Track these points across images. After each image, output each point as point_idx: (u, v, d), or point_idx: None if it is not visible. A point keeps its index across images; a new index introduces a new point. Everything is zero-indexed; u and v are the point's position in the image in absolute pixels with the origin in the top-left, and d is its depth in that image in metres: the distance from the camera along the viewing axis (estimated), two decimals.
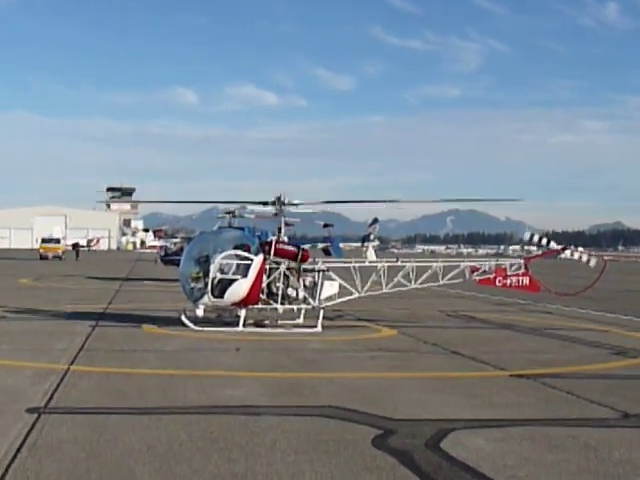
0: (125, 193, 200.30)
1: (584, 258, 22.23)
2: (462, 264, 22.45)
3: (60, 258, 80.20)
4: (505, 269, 22.59)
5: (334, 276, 20.64)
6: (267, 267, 19.87)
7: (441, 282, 22.27)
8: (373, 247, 49.96)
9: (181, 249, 40.83)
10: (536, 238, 22.52)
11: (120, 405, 10.33)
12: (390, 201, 24.50)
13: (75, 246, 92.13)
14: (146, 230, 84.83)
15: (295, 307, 20.46)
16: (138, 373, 12.91)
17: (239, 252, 19.80)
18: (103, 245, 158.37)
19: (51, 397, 10.73)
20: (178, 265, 21.61)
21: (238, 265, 19.61)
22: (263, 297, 19.87)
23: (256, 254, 19.72)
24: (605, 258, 24.17)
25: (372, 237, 50.27)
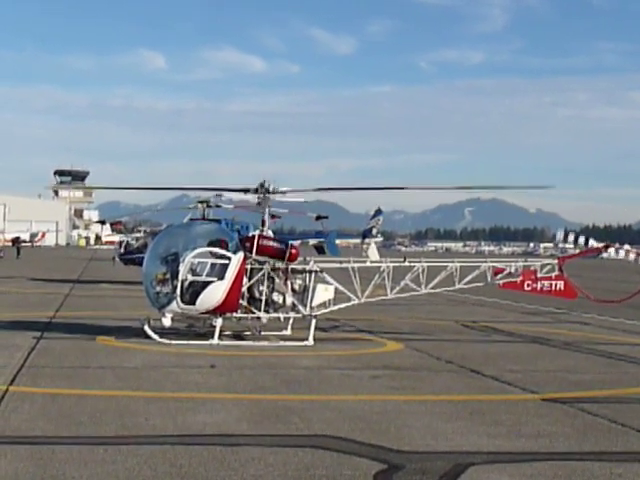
0: (77, 177, 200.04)
1: (631, 256, 22.22)
2: (483, 265, 22.49)
3: None
4: (535, 271, 22.65)
5: (329, 278, 20.63)
6: (248, 267, 19.84)
7: (457, 286, 22.32)
8: (376, 244, 50.12)
9: (144, 245, 40.85)
10: (571, 237, 22.50)
11: (69, 434, 10.29)
12: (397, 188, 24.51)
13: (16, 241, 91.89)
14: (102, 222, 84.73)
15: (282, 316, 20.44)
16: (91, 395, 12.87)
17: (214, 249, 19.76)
18: (50, 240, 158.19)
19: None
20: (140, 265, 21.58)
21: (213, 265, 19.59)
22: (243, 304, 19.86)
23: (235, 252, 19.69)
24: None
25: (375, 232, 50.46)
